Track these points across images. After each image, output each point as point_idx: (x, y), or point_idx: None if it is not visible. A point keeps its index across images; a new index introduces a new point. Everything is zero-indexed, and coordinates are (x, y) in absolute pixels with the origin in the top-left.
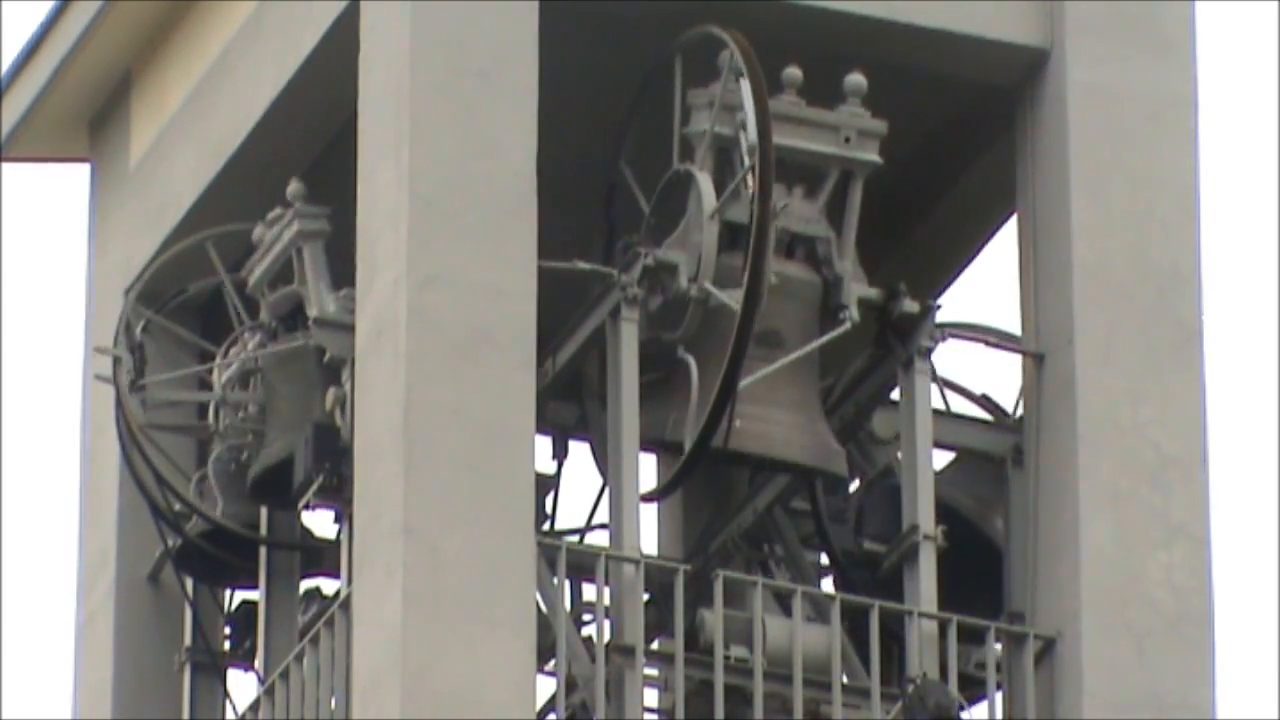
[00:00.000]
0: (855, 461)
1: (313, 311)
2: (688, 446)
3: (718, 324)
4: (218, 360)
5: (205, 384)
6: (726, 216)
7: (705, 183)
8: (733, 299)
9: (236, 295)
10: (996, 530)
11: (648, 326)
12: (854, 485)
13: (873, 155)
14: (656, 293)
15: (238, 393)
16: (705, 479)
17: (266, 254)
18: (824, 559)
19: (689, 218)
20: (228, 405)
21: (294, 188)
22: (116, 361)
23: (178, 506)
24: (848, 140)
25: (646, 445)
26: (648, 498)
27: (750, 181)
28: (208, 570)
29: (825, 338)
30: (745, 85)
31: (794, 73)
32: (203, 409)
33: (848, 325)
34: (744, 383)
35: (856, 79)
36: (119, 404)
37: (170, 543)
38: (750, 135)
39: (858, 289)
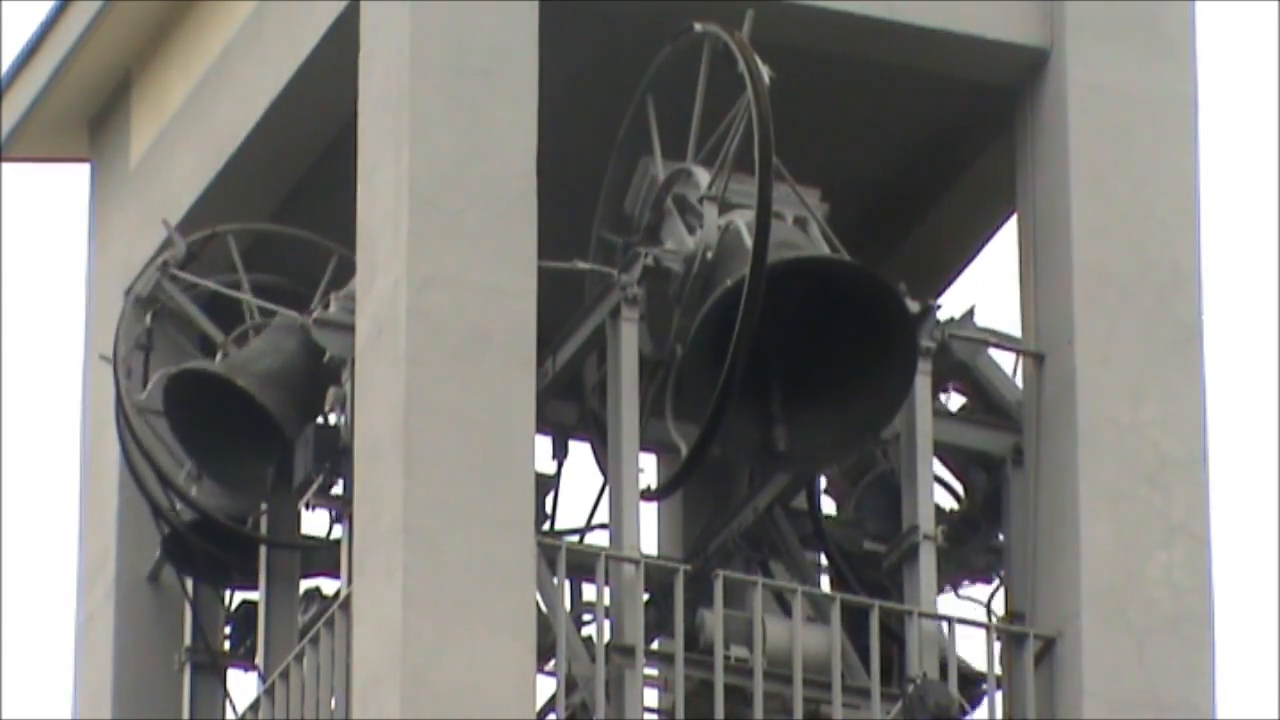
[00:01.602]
0: (855, 462)
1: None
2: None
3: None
4: (223, 341)
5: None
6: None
7: (702, 176)
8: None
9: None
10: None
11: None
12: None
13: (816, 201)
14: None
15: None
16: (705, 479)
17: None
18: (824, 559)
19: (683, 233)
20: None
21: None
22: (166, 243)
23: (178, 505)
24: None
25: (646, 445)
26: (648, 498)
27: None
28: (201, 564)
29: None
30: (746, 87)
31: None
32: None
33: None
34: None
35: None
36: (119, 403)
37: (164, 531)
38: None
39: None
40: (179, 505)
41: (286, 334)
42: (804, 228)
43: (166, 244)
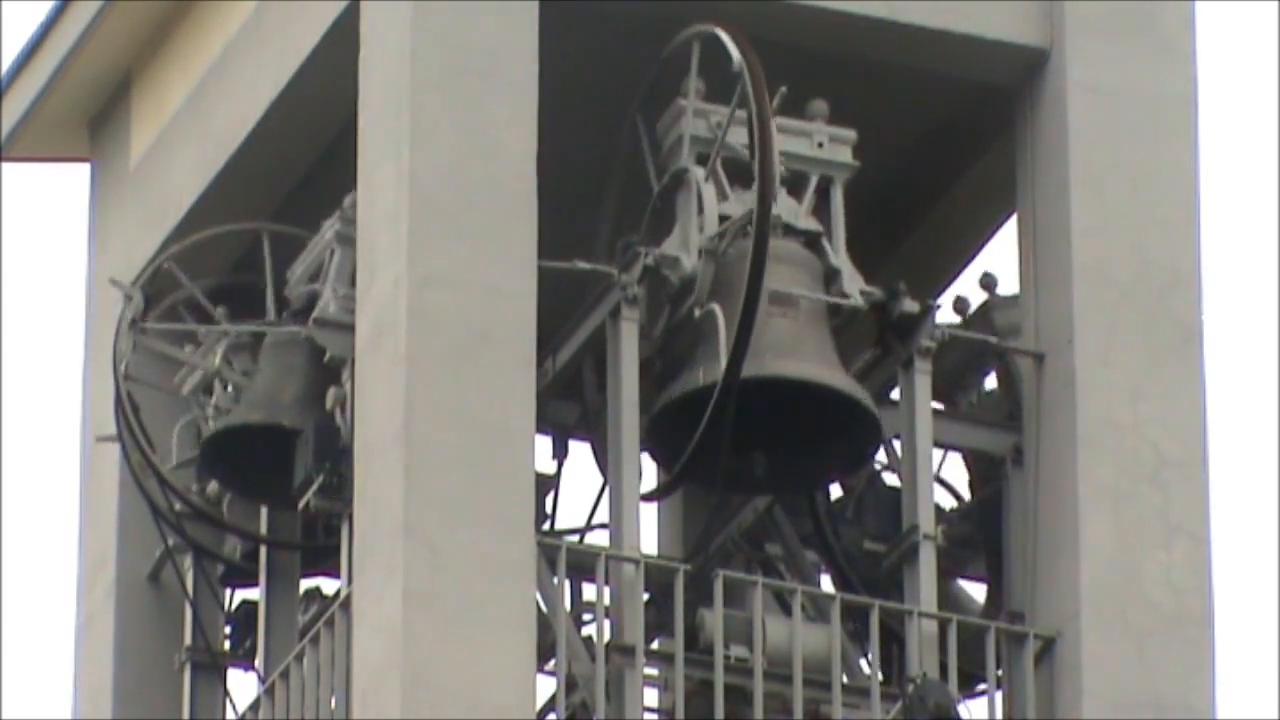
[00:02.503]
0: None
1: (328, 310)
2: (718, 383)
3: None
4: (221, 327)
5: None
6: (724, 213)
7: (708, 192)
8: (728, 317)
9: (221, 295)
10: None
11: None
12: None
13: (847, 158)
14: (658, 291)
15: (227, 368)
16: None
17: (310, 253)
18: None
19: (688, 220)
20: (218, 378)
21: (351, 199)
22: (126, 299)
23: (178, 506)
24: (820, 145)
25: (646, 445)
26: (648, 498)
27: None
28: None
29: (836, 299)
30: (748, 89)
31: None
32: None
33: (857, 300)
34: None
35: (819, 106)
36: (119, 403)
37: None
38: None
39: (857, 283)
40: (179, 506)
41: (289, 350)
42: (814, 247)
43: (180, 235)
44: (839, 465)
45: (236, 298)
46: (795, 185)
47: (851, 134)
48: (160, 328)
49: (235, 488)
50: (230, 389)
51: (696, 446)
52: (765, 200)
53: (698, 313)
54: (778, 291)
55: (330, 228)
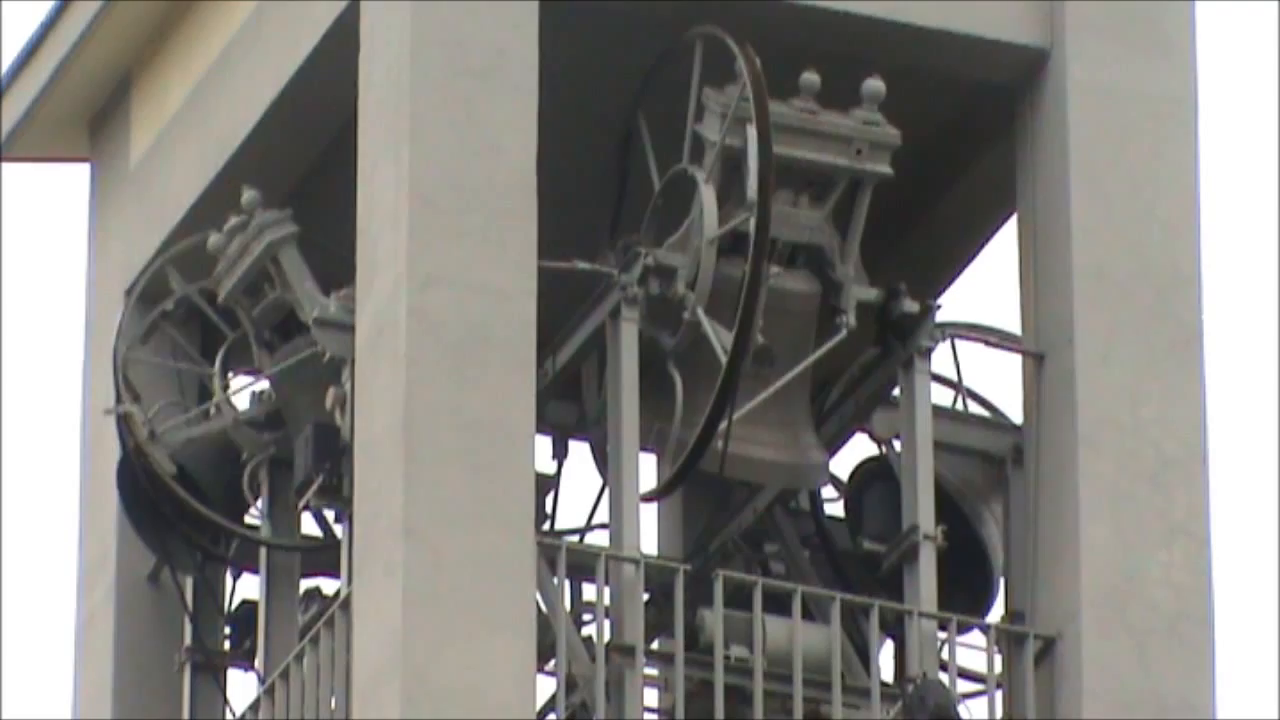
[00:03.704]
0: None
1: (313, 314)
2: (675, 461)
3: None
4: (220, 378)
5: (206, 392)
6: (726, 225)
7: (709, 196)
8: (723, 340)
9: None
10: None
11: (647, 327)
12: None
13: (884, 166)
14: (656, 293)
15: (249, 410)
16: (705, 479)
17: (235, 266)
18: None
19: (690, 223)
20: (244, 427)
21: (248, 196)
22: (128, 417)
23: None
24: (859, 152)
25: (646, 445)
26: (648, 498)
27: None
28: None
29: (817, 354)
30: (749, 92)
31: (811, 78)
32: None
33: (843, 334)
34: (737, 414)
35: (875, 85)
36: (119, 402)
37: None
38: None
39: (859, 292)
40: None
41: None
42: (816, 260)
43: (183, 233)
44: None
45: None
46: (822, 189)
47: (895, 136)
48: (151, 362)
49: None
50: (260, 432)
51: (711, 418)
52: (764, 191)
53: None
54: (758, 349)
55: (251, 237)
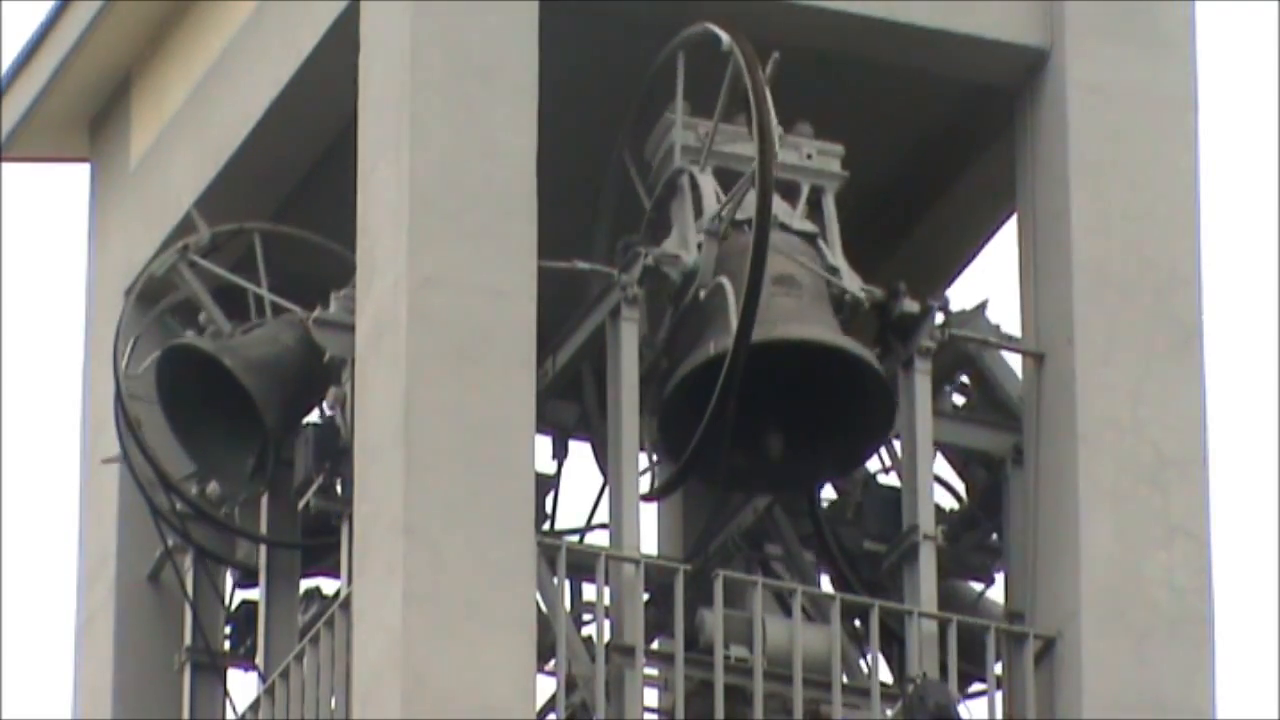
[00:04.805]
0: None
1: (328, 310)
2: (729, 349)
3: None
4: (230, 332)
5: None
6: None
7: (707, 184)
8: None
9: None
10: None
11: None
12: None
13: (836, 169)
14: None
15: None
16: (705, 479)
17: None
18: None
19: (685, 218)
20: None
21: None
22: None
23: (179, 505)
24: (810, 157)
25: (647, 444)
26: (648, 498)
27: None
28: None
29: (838, 283)
30: (749, 90)
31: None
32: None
33: (858, 293)
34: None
35: (804, 127)
36: (119, 403)
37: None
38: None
39: (856, 283)
40: (180, 505)
41: (285, 328)
42: (813, 245)
43: (187, 229)
44: (851, 449)
45: (235, 298)
46: (788, 193)
47: (839, 148)
48: (208, 266)
49: (172, 415)
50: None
51: (708, 424)
52: (767, 158)
53: (703, 294)
54: (781, 274)
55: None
